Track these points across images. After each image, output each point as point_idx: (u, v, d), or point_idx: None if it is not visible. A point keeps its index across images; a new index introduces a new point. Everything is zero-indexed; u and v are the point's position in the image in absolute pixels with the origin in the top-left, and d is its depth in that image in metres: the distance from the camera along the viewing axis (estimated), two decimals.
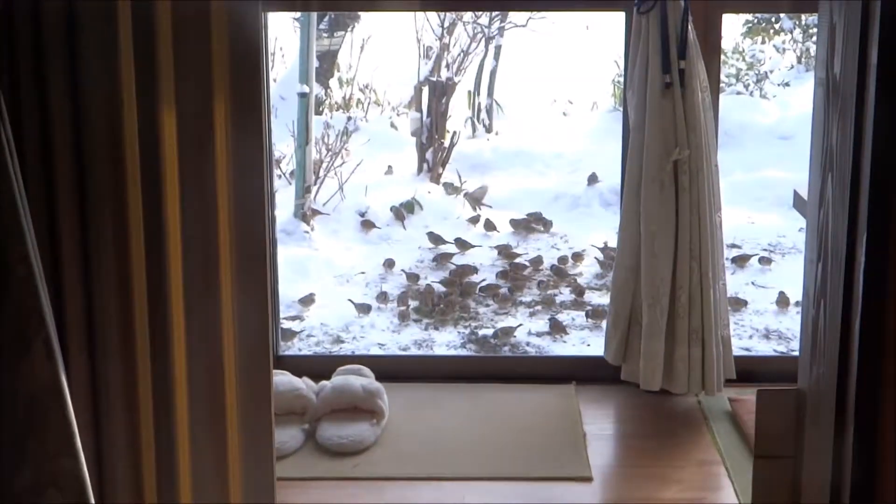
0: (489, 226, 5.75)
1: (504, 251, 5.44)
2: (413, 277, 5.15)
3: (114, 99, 1.86)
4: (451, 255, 5.34)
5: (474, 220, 5.80)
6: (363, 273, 5.25)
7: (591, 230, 5.67)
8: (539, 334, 4.54)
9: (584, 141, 6.86)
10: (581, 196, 6.04)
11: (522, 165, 6.58)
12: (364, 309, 4.79)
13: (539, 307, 4.85)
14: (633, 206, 3.27)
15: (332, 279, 5.18)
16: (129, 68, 1.86)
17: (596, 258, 5.32)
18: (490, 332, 4.55)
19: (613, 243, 5.16)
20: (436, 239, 5.56)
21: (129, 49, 1.85)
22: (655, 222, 3.22)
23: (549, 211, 5.92)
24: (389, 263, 5.29)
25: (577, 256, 5.33)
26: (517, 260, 5.35)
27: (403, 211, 5.84)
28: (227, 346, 1.98)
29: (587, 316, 4.63)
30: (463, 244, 5.39)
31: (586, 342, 4.46)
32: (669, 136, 3.19)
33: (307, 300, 4.83)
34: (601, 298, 4.84)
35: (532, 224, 5.79)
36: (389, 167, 6.31)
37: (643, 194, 3.23)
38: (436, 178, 6.20)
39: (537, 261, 5.29)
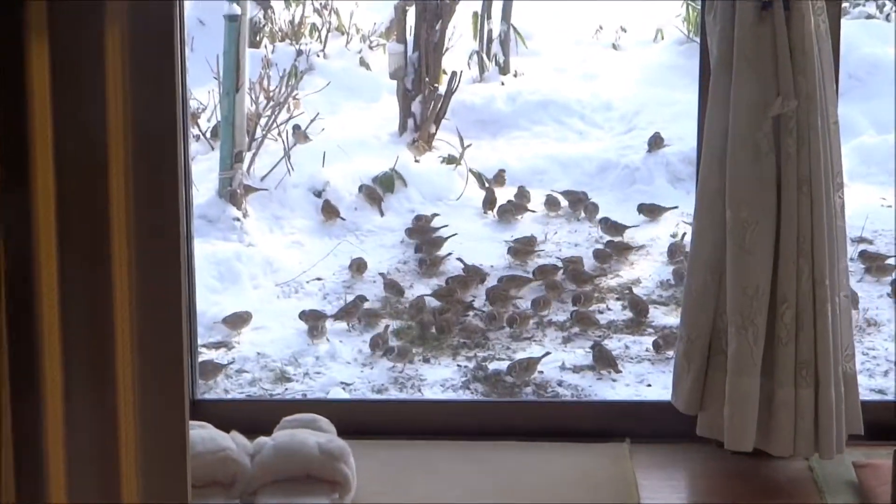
0: (505, 211, 5.74)
1: (525, 247, 5.43)
2: (393, 286, 5.14)
3: None
4: (445, 256, 5.34)
5: (486, 204, 5.79)
6: (319, 280, 5.25)
7: (653, 216, 5.68)
8: (577, 369, 4.54)
9: (642, 87, 6.85)
10: (639, 167, 6.05)
11: (553, 121, 6.57)
12: (320, 332, 4.78)
13: (576, 329, 4.85)
14: (714, 182, 3.27)
15: (275, 289, 5.18)
16: None
17: (660, 258, 5.30)
18: (505, 365, 4.56)
19: (687, 237, 5.16)
20: (423, 230, 5.55)
21: None
22: (748, 205, 3.23)
23: (591, 188, 5.90)
24: (359, 266, 5.28)
25: (631, 253, 5.32)
26: (545, 260, 5.33)
27: (379, 189, 5.84)
28: (123, 385, 1.98)
29: (655, 348, 4.64)
30: (433, 243, 5.38)
31: (645, 380, 4.47)
32: (768, 79, 3.19)
33: (238, 319, 4.83)
34: (668, 317, 4.84)
35: (567, 207, 5.78)
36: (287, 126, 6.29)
37: (730, 165, 3.23)
38: (426, 141, 6.20)
39: (574, 262, 5.29)
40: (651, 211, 5.67)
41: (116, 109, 1.92)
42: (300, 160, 5.85)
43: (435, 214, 5.61)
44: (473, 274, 5.18)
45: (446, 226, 5.55)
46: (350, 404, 4.06)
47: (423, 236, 5.49)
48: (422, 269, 5.31)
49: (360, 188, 5.81)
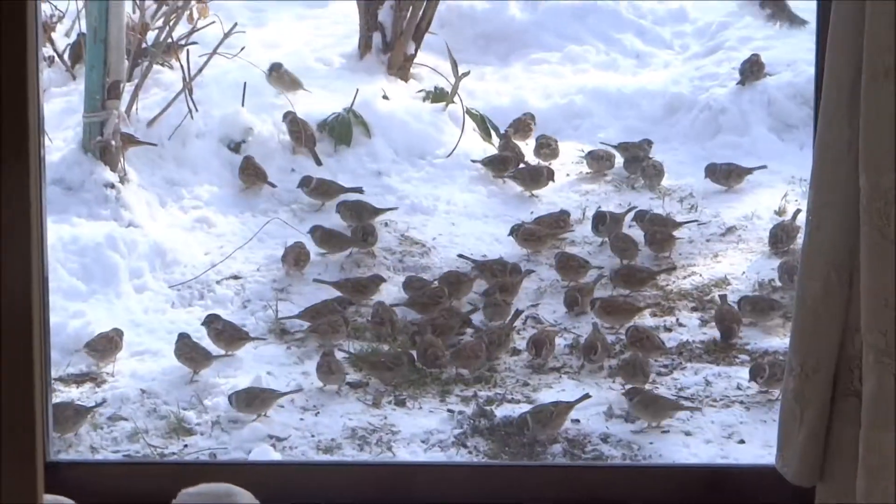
0: (520, 175, 5.75)
1: (547, 230, 5.44)
2: (357, 288, 5.15)
3: None
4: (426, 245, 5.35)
5: (494, 167, 5.79)
6: (237, 278, 5.31)
7: (747, 183, 5.70)
8: (630, 418, 4.56)
9: None
10: (727, 107, 6.09)
11: (595, 38, 6.60)
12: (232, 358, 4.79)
13: (629, 357, 4.84)
14: (842, 132, 3.25)
15: (169, 293, 5.23)
16: None
17: (759, 246, 5.34)
18: (517, 410, 4.60)
19: (801, 215, 5.13)
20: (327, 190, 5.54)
21: None
22: (892, 169, 3.18)
23: (655, 137, 5.91)
24: (298, 256, 5.32)
25: (680, 229, 5.32)
26: (578, 249, 5.35)
27: (329, 138, 5.84)
28: None
29: (751, 384, 4.63)
30: (360, 237, 5.39)
31: (736, 434, 4.50)
32: None
33: (110, 342, 4.86)
34: (771, 337, 4.87)
35: (620, 168, 5.79)
36: None
37: (865, 106, 3.19)
38: (400, 68, 6.23)
39: (626, 249, 5.29)
40: (727, 175, 5.69)
41: None
42: (208, 96, 5.87)
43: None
44: (476, 269, 5.23)
45: (395, 208, 5.53)
46: (283, 469, 4.03)
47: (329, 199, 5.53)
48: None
49: (285, 117, 5.81)
